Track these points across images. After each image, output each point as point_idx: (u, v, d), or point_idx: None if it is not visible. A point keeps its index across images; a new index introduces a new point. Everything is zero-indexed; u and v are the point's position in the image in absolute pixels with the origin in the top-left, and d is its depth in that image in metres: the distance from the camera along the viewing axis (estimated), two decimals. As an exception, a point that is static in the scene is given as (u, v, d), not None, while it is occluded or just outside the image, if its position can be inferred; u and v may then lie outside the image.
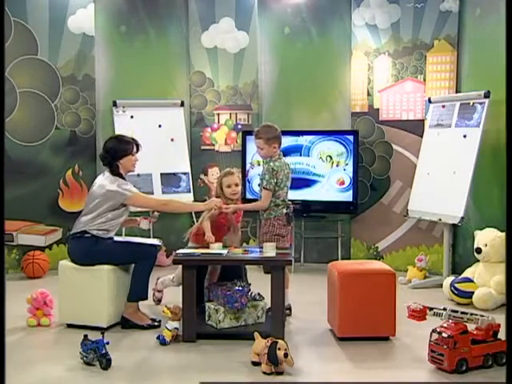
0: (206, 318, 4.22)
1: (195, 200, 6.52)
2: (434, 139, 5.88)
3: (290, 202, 4.69)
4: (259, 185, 4.70)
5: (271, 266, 4.15)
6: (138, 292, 4.38)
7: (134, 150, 4.51)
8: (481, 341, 3.61)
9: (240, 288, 4.18)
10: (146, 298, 4.43)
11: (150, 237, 5.78)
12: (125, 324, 4.37)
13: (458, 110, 5.68)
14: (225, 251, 4.26)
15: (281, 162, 4.63)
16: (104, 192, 4.37)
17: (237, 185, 4.60)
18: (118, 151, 4.45)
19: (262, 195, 4.61)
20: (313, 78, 6.66)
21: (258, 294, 4.39)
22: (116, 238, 4.52)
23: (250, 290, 4.29)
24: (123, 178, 4.46)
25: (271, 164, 4.58)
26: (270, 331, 3.86)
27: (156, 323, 4.38)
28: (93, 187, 4.50)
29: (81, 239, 4.37)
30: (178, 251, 4.32)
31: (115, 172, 4.44)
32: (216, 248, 4.30)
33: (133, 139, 4.56)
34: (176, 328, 4.04)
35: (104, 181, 4.43)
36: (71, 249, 4.45)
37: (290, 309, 4.65)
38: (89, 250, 4.35)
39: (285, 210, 4.62)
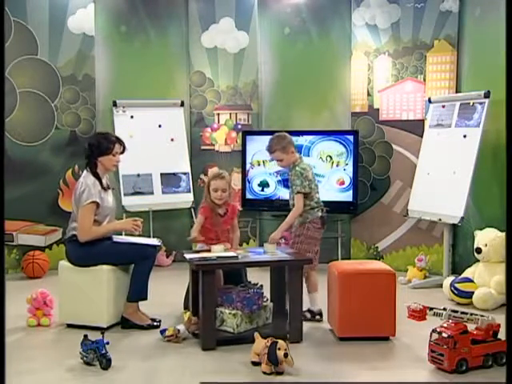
0: (218, 324, 4.07)
1: (196, 200, 6.52)
2: (434, 139, 5.88)
3: (322, 204, 4.60)
4: (289, 187, 4.56)
5: (289, 267, 4.10)
6: (137, 292, 4.37)
7: (116, 149, 4.41)
8: (481, 341, 3.61)
9: (256, 290, 4.14)
10: (145, 298, 4.42)
11: (149, 237, 5.77)
12: (125, 324, 4.37)
13: (458, 110, 5.68)
14: (236, 253, 4.16)
15: (305, 164, 4.57)
16: (76, 196, 4.35)
17: (224, 190, 4.44)
18: (100, 148, 4.38)
19: (295, 201, 4.47)
20: (313, 78, 6.67)
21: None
22: (115, 238, 4.51)
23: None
24: (99, 178, 4.38)
25: (297, 168, 4.48)
26: (289, 333, 3.81)
27: (156, 323, 4.38)
28: None
29: (77, 242, 4.33)
30: (185, 255, 4.21)
31: (93, 170, 4.38)
32: (218, 250, 4.20)
33: (118, 139, 4.47)
34: (179, 330, 4.04)
35: (79, 182, 4.39)
36: (69, 251, 4.44)
37: (321, 314, 4.52)
38: (87, 252, 4.32)
39: (320, 213, 4.54)
